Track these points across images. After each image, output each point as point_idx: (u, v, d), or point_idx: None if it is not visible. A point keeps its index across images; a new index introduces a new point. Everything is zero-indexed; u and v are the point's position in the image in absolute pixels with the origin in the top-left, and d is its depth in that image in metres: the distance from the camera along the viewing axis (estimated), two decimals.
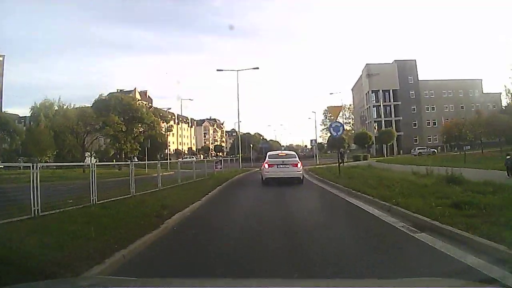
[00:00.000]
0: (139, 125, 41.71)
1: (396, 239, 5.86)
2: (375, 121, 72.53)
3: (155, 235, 6.00)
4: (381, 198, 9.10)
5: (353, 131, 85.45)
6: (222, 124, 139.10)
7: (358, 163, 29.65)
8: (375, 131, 67.91)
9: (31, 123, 45.96)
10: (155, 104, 66.59)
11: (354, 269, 4.29)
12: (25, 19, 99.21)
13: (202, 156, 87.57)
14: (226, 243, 5.79)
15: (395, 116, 71.52)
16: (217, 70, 37.18)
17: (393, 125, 68.13)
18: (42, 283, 2.98)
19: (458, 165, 19.61)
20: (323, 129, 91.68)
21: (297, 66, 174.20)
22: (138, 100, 44.41)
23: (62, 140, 38.50)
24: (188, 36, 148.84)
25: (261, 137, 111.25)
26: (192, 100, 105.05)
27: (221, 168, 24.50)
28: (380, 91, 72.25)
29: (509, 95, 48.99)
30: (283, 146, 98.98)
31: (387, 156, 58.45)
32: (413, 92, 72.77)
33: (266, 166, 16.56)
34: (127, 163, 14.38)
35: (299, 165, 16.47)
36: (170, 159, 39.51)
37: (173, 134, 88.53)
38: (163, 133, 47.06)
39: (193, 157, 44.74)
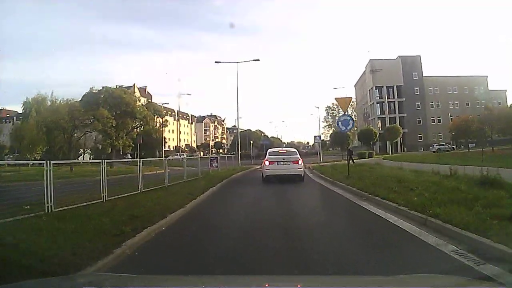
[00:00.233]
0: (132, 120, 39.01)
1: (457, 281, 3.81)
2: (378, 118, 70.66)
3: (98, 268, 4.02)
4: (410, 206, 7.22)
5: (355, 128, 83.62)
6: (223, 120, 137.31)
7: (365, 161, 27.66)
8: (378, 128, 66.06)
9: (23, 119, 44.41)
10: (155, 101, 64.71)
11: None
12: (25, 17, 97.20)
13: (202, 153, 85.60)
14: None
15: (399, 113, 69.80)
16: (216, 62, 34.75)
17: (397, 122, 66.32)
18: (42, 280, 2.88)
19: (475, 164, 17.76)
20: (325, 126, 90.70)
21: (299, 63, 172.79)
22: (130, 92, 41.19)
23: (54, 136, 36.71)
24: (188, 34, 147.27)
25: (263, 134, 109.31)
26: (190, 95, 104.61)
27: (217, 166, 22.48)
28: (384, 87, 70.55)
29: None
30: (284, 143, 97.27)
31: (391, 153, 56.46)
32: (418, 88, 71.18)
33: (267, 163, 16.28)
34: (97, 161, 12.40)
35: (300, 162, 16.18)
36: (168, 156, 37.56)
37: (173, 130, 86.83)
38: (158, 128, 44.43)
39: (183, 154, 41.40)
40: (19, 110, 56.55)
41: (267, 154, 17.20)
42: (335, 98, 16.79)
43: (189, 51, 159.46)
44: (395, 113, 70.02)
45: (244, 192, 13.50)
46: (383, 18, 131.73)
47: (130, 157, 39.82)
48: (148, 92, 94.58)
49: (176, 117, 75.82)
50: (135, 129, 40.79)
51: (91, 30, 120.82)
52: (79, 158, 48.51)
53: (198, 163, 20.05)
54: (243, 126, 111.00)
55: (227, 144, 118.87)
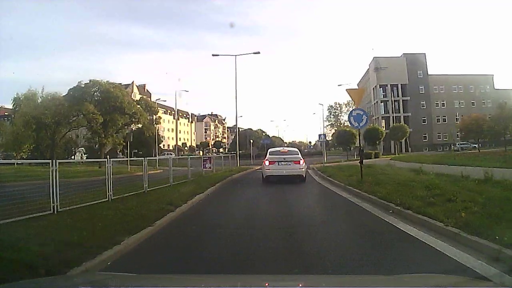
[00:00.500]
0: (121, 116, 35.97)
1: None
2: (382, 117, 68.57)
3: None
4: (465, 229, 5.13)
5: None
6: (224, 120, 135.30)
7: (373, 162, 25.50)
8: (383, 127, 63.96)
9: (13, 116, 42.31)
10: (154, 99, 62.57)
11: None
12: (26, 16, 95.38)
13: (201, 152, 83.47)
14: None
15: (403, 112, 67.72)
16: (213, 55, 32.35)
17: (402, 121, 64.18)
18: (42, 279, 2.89)
19: (497, 165, 15.76)
20: (327, 125, 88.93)
21: (301, 61, 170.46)
22: (118, 86, 37.58)
23: (43, 134, 34.56)
24: (189, 33, 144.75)
25: (264, 133, 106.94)
26: (188, 91, 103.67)
27: (210, 167, 20.30)
28: (388, 85, 68.57)
29: None
30: (285, 143, 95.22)
31: (396, 154, 54.28)
32: (423, 87, 69.32)
33: (267, 163, 16.01)
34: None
35: (301, 162, 15.90)
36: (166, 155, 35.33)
37: (172, 129, 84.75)
38: (152, 125, 41.74)
39: (171, 154, 38.40)
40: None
41: (268, 153, 16.95)
42: (346, 90, 14.65)
43: (189, 50, 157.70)
44: (399, 112, 68.02)
45: (239, 199, 11.48)
46: (388, 15, 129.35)
47: (122, 156, 37.66)
48: (147, 90, 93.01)
49: (176, 116, 73.68)
50: (125, 126, 38.18)
51: (91, 29, 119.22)
52: (74, 157, 46.72)
53: (188, 163, 17.79)
54: (244, 125, 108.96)
55: (227, 144, 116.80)
